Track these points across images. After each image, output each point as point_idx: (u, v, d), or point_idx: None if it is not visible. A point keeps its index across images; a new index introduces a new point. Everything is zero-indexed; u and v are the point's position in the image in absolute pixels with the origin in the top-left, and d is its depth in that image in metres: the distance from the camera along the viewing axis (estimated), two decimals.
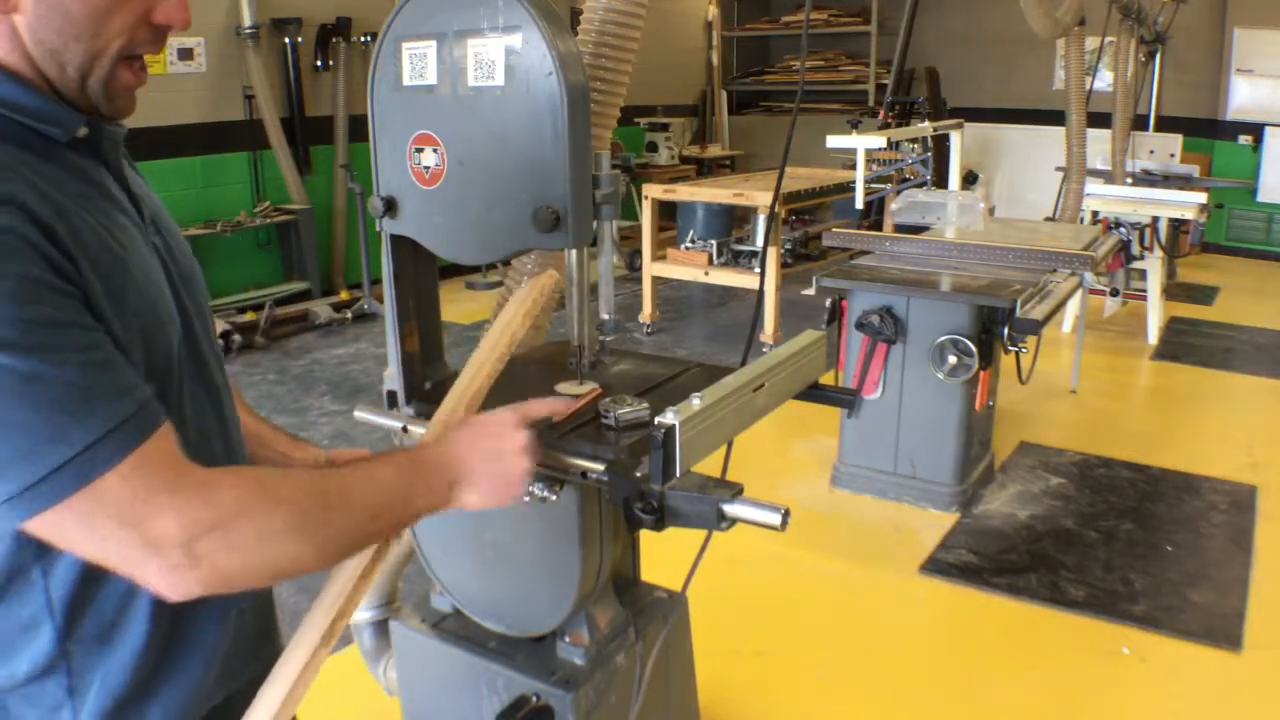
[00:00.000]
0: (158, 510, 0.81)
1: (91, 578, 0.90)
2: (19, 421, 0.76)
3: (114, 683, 0.93)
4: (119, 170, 0.98)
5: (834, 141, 4.63)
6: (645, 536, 1.48)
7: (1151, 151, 7.30)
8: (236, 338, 5.52)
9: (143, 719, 0.96)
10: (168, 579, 0.82)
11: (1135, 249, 5.63)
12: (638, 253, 6.77)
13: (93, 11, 0.87)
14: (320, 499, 0.91)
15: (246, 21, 5.96)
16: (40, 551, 0.88)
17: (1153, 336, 5.78)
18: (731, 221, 6.31)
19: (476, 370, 1.34)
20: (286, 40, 6.34)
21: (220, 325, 5.33)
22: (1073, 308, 5.45)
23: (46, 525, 0.79)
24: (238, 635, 1.04)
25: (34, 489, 0.77)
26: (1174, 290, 6.77)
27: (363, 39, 6.67)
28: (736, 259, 6.15)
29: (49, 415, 0.77)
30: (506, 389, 1.51)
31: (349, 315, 6.22)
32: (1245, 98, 8.44)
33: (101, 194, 0.92)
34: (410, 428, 1.47)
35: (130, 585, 0.92)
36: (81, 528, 0.79)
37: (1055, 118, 6.24)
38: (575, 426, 1.36)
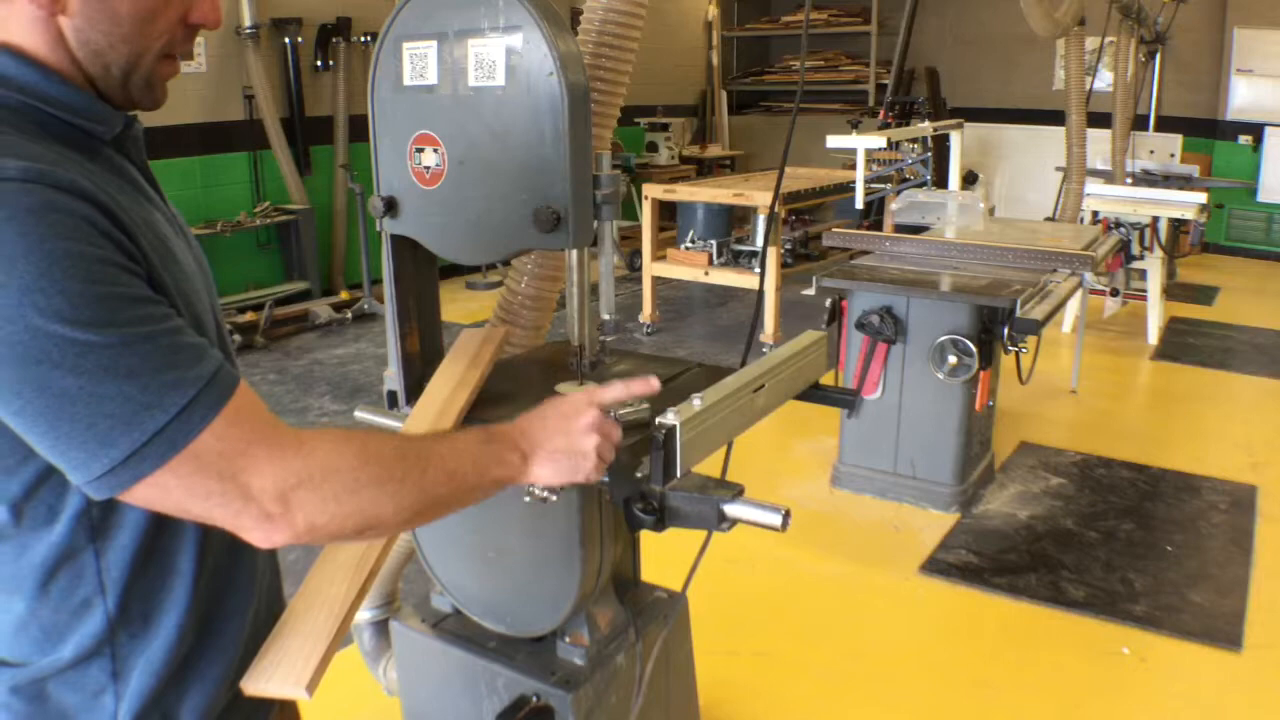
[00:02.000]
0: (254, 462, 0.85)
1: (141, 560, 0.93)
2: (114, 393, 0.79)
3: (155, 665, 0.95)
4: (144, 165, 1.02)
5: (834, 141, 4.63)
6: (645, 536, 1.48)
7: (1151, 151, 7.30)
8: (236, 338, 5.52)
9: (182, 704, 0.98)
10: (263, 528, 0.86)
11: (1135, 249, 5.63)
12: (638, 253, 6.77)
13: (140, 14, 0.90)
14: (403, 460, 0.94)
15: (246, 21, 5.96)
16: (94, 533, 0.91)
17: (1153, 336, 5.78)
18: (731, 221, 6.31)
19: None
20: (286, 40, 6.34)
21: None
22: (1073, 308, 5.45)
23: (150, 490, 0.82)
24: (254, 629, 1.05)
25: (138, 454, 0.80)
26: (1174, 290, 6.76)
27: (363, 39, 6.67)
28: (736, 259, 6.15)
29: (142, 383, 0.80)
30: (505, 389, 1.51)
31: (349, 315, 6.22)
32: (1245, 98, 8.43)
33: (136, 188, 0.96)
34: None
35: (170, 569, 0.95)
36: (183, 487, 0.83)
37: (1055, 118, 6.24)
38: None
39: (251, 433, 0.85)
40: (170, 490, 0.83)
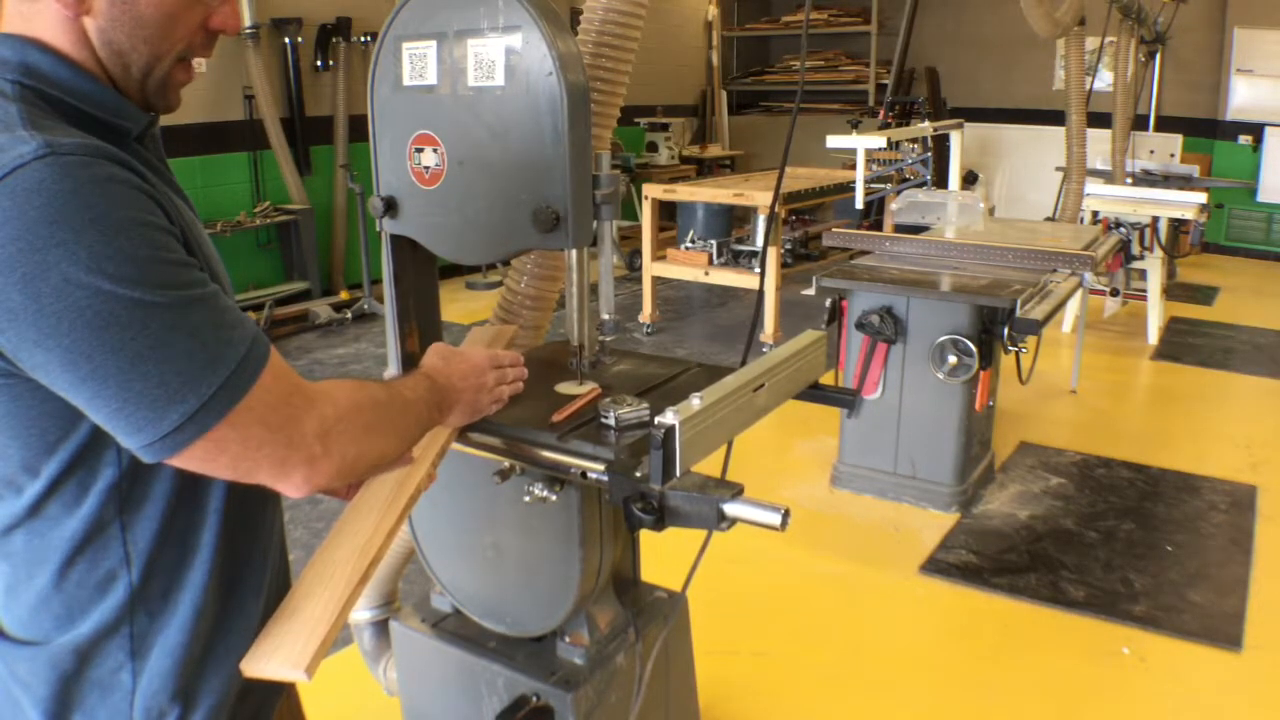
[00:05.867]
0: (296, 410, 0.92)
1: (165, 534, 0.96)
2: (180, 350, 0.83)
3: (173, 645, 0.97)
4: (164, 164, 1.04)
5: (834, 141, 4.63)
6: (645, 536, 1.48)
7: (1151, 151, 7.30)
8: None
9: (200, 687, 1.00)
10: (305, 470, 0.92)
11: (1135, 249, 5.63)
12: (638, 253, 6.77)
13: (162, 17, 0.93)
14: (392, 402, 1.07)
15: (246, 21, 5.95)
16: (123, 506, 0.93)
17: (1153, 336, 5.78)
18: (731, 221, 6.31)
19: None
20: (286, 40, 6.34)
21: None
22: (1073, 308, 5.45)
23: (208, 446, 0.86)
24: (266, 607, 1.07)
25: (204, 408, 0.84)
26: (1174, 290, 6.77)
27: (363, 39, 6.67)
28: (736, 259, 6.15)
29: (202, 340, 0.85)
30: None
31: (349, 315, 6.22)
32: (1245, 98, 8.43)
33: (162, 181, 0.98)
34: None
35: (192, 544, 0.98)
36: (240, 440, 0.87)
37: (1055, 118, 6.24)
38: (575, 426, 1.37)
39: (289, 385, 0.92)
40: (227, 445, 0.86)
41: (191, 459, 0.86)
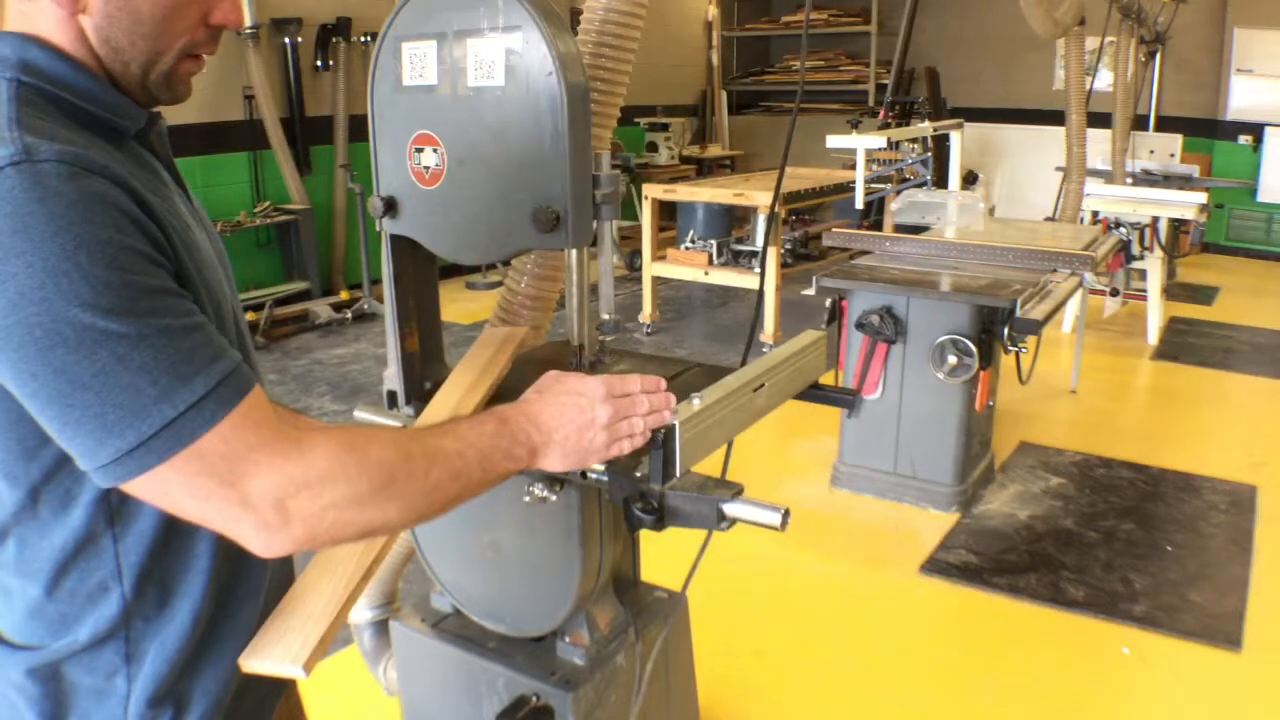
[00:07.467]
0: (254, 468, 0.84)
1: (160, 545, 0.94)
2: (126, 383, 0.79)
3: (169, 649, 0.96)
4: (169, 160, 1.03)
5: (834, 141, 4.63)
6: (645, 536, 1.48)
7: (1151, 151, 7.30)
8: None
9: (195, 688, 0.99)
10: (262, 536, 0.85)
11: (1135, 249, 5.63)
12: (638, 253, 6.77)
13: (160, 13, 0.92)
14: (408, 462, 0.93)
15: (246, 21, 5.95)
16: (113, 518, 0.92)
17: (1153, 336, 5.78)
18: (731, 221, 6.31)
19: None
20: (286, 40, 6.34)
21: None
22: (1073, 308, 5.45)
23: (151, 484, 0.82)
24: (264, 610, 1.06)
25: (144, 446, 0.80)
26: (1174, 290, 6.76)
27: (363, 39, 6.67)
28: (736, 259, 6.15)
29: (154, 376, 0.80)
30: (506, 387, 1.51)
31: (349, 315, 6.22)
32: (1245, 98, 8.43)
33: (160, 181, 0.98)
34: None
35: (189, 553, 0.96)
36: (184, 486, 0.82)
37: (1055, 118, 6.23)
38: None
39: (256, 438, 0.84)
40: (171, 487, 0.82)
41: (139, 493, 0.84)
